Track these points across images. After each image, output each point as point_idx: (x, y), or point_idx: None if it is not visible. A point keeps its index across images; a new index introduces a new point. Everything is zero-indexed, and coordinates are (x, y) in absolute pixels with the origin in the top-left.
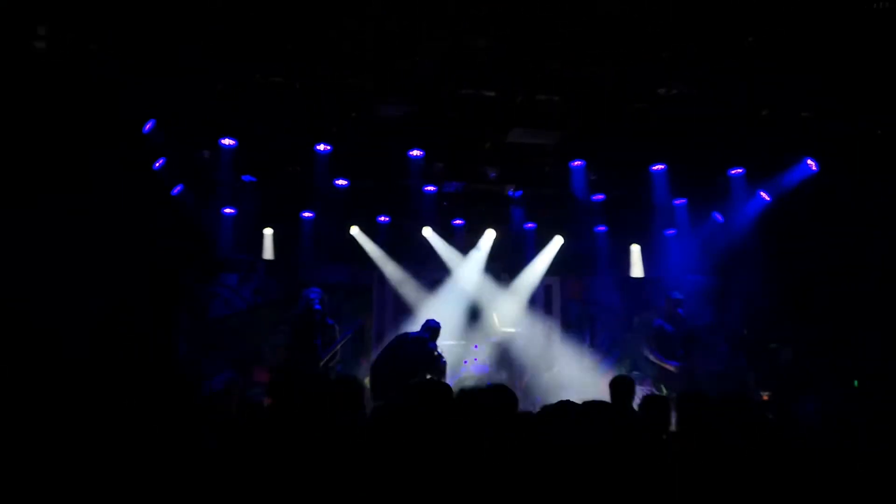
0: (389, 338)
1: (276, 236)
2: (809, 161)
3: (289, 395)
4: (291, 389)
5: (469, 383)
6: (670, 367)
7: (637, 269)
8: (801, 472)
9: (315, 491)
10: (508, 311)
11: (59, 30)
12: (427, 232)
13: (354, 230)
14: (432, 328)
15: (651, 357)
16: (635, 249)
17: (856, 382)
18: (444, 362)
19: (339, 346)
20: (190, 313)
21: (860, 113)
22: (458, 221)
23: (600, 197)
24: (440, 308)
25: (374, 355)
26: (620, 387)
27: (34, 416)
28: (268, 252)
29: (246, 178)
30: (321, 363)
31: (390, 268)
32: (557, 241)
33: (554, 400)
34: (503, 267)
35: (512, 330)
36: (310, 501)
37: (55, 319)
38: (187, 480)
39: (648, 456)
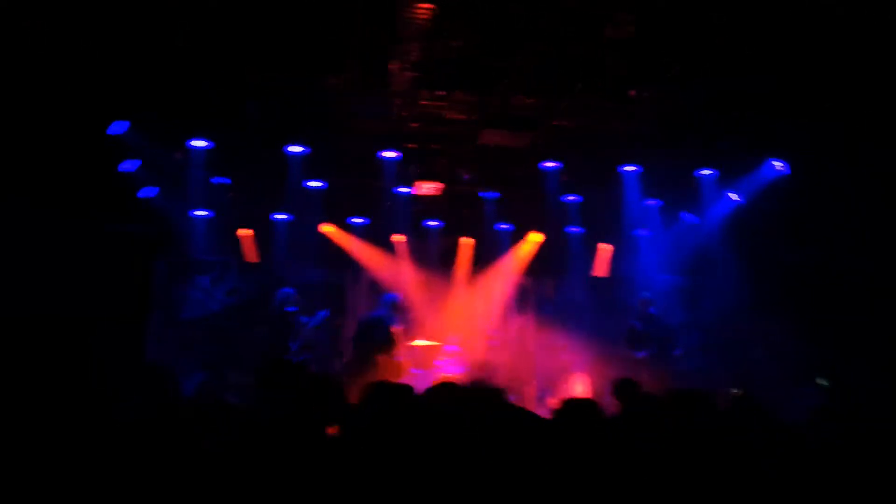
0: None
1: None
2: (777, 163)
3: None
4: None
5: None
6: (637, 357)
7: (601, 269)
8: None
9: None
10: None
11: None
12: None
13: (326, 227)
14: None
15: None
16: (604, 250)
17: (825, 382)
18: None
19: (308, 336)
20: (162, 315)
21: (831, 114)
22: (431, 223)
23: (573, 198)
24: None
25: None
26: (625, 388)
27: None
28: (250, 255)
29: (218, 179)
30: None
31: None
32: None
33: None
34: None
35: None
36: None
37: (26, 315)
38: (169, 481)
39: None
